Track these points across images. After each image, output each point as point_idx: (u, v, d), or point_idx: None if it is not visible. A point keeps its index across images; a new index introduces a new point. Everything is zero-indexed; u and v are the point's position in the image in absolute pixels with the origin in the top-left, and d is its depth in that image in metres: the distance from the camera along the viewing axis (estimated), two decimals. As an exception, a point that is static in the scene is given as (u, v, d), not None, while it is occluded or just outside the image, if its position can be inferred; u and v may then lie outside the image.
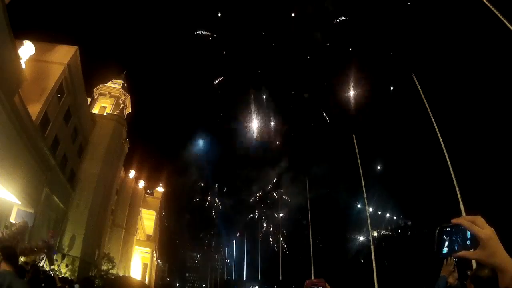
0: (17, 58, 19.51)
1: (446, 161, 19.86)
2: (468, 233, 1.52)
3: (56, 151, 28.73)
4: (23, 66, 21.04)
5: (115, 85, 49.13)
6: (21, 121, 20.87)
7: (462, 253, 1.53)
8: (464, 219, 1.53)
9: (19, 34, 20.56)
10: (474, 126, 53.11)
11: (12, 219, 20.71)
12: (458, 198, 18.38)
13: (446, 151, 20.13)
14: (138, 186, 54.25)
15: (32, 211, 22.23)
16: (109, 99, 46.98)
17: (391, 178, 68.43)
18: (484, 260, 1.48)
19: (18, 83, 19.90)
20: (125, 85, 51.03)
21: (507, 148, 43.27)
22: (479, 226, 1.49)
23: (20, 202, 20.59)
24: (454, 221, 1.56)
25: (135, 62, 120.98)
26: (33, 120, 23.55)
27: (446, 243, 1.59)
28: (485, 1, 16.97)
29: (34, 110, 24.20)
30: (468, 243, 1.51)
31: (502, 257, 1.46)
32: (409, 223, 74.91)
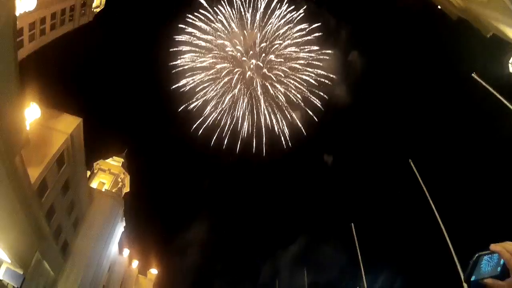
0: (23, 118, 20.71)
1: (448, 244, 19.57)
2: (502, 261, 1.42)
3: (51, 219, 28.69)
4: (27, 127, 22.17)
5: (115, 162, 50.40)
6: (20, 181, 21.48)
7: (490, 280, 1.44)
8: (503, 248, 1.44)
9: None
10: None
11: (0, 277, 20.27)
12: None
13: (447, 233, 19.96)
14: (131, 265, 52.58)
15: (21, 272, 21.80)
16: (108, 176, 47.85)
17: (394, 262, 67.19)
18: None
19: (21, 143, 20.85)
20: (125, 164, 52.45)
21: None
22: None
23: (10, 261, 20.33)
24: (492, 248, 1.47)
25: (136, 139, 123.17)
26: (31, 183, 24.05)
27: (480, 270, 1.49)
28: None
29: (33, 174, 24.73)
30: (499, 270, 1.43)
31: None
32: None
